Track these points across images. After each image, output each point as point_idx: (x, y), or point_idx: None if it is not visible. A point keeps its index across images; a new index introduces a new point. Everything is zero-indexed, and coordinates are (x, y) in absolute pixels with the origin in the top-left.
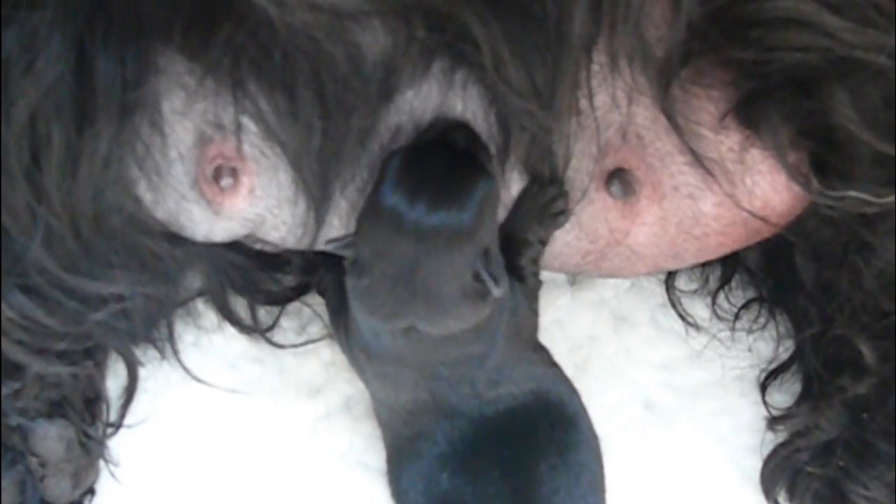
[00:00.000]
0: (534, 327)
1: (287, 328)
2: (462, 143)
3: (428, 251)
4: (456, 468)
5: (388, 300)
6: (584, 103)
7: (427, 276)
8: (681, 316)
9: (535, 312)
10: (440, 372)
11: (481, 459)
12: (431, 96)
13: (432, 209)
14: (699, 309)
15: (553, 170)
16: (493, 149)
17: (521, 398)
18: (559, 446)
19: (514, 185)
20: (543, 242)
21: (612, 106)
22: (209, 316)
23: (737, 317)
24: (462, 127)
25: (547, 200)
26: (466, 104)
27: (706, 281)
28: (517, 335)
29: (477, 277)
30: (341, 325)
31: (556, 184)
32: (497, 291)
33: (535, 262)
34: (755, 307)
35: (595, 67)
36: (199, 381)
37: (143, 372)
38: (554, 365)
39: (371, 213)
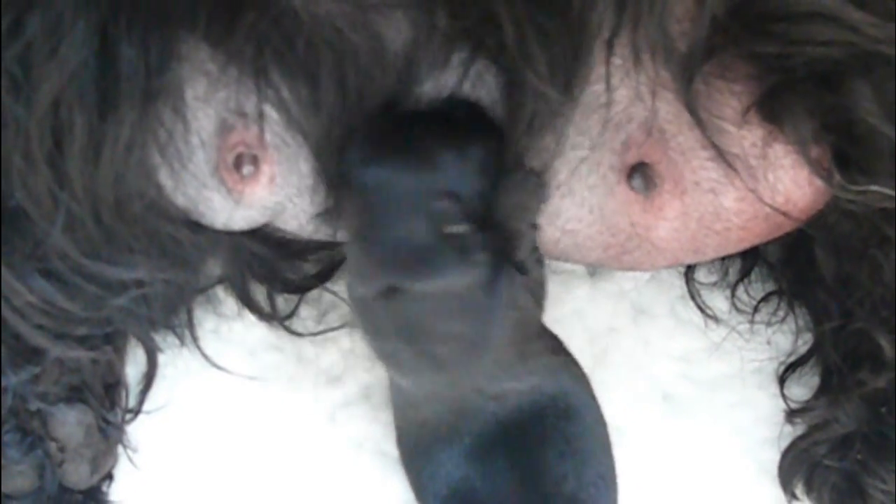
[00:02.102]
0: (538, 319)
1: (306, 317)
2: (462, 109)
3: (394, 201)
4: (466, 458)
5: (366, 258)
6: (608, 96)
7: (399, 227)
8: (700, 308)
9: (539, 304)
10: (439, 353)
11: (489, 451)
12: (449, 87)
13: (396, 159)
14: (718, 301)
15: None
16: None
17: (527, 394)
18: (565, 435)
19: None
20: (535, 226)
21: (635, 99)
22: (229, 303)
23: (756, 309)
24: (459, 101)
25: (519, 184)
26: (479, 95)
27: (726, 273)
28: (518, 329)
29: (449, 219)
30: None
31: (520, 168)
32: (463, 227)
33: (535, 250)
34: (774, 300)
35: (618, 61)
36: (218, 368)
37: (162, 358)
38: (559, 352)
39: (342, 179)
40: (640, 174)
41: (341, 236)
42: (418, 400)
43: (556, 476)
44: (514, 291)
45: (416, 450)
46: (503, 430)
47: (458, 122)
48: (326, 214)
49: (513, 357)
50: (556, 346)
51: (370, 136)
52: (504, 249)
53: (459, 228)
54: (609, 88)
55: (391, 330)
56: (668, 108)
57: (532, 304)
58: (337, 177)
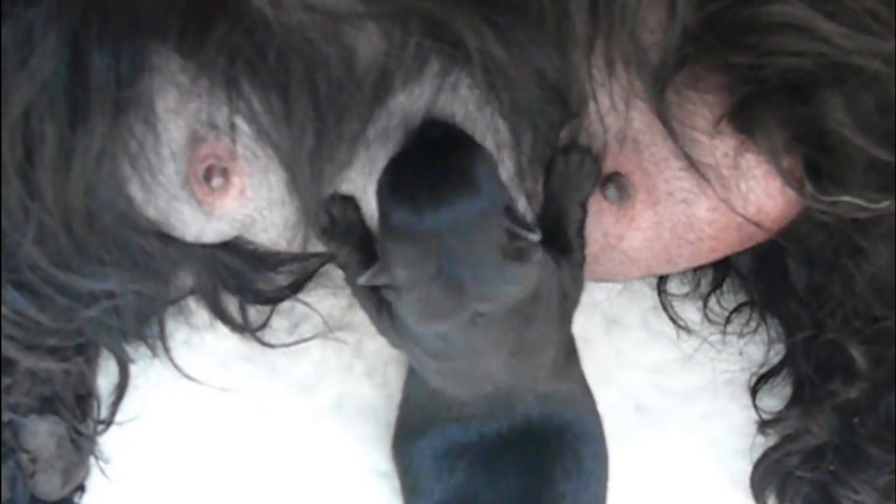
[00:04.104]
0: (576, 304)
1: (278, 328)
2: (436, 132)
3: (454, 242)
4: (476, 459)
5: (443, 300)
6: (586, 104)
7: (466, 262)
8: (672, 319)
9: (580, 287)
10: (511, 364)
11: (503, 455)
12: (423, 99)
13: (437, 206)
14: (690, 312)
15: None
16: (493, 145)
17: (564, 401)
18: (577, 455)
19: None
20: (584, 207)
21: (610, 110)
22: (201, 314)
23: (728, 320)
24: (430, 122)
25: (575, 165)
26: (459, 105)
27: (698, 284)
28: (567, 316)
29: (511, 235)
30: (391, 333)
31: (578, 147)
32: (534, 236)
33: (581, 232)
34: (746, 311)
35: (593, 71)
36: (190, 379)
37: (134, 369)
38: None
39: (387, 236)
40: (614, 184)
41: (312, 248)
42: (465, 398)
43: (557, 493)
44: (562, 274)
45: (424, 446)
46: (526, 435)
47: (459, 138)
48: (376, 269)
49: (564, 352)
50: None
51: (403, 183)
52: (553, 232)
53: (526, 239)
54: (588, 97)
55: (470, 351)
56: (642, 119)
57: (576, 286)
58: (384, 231)
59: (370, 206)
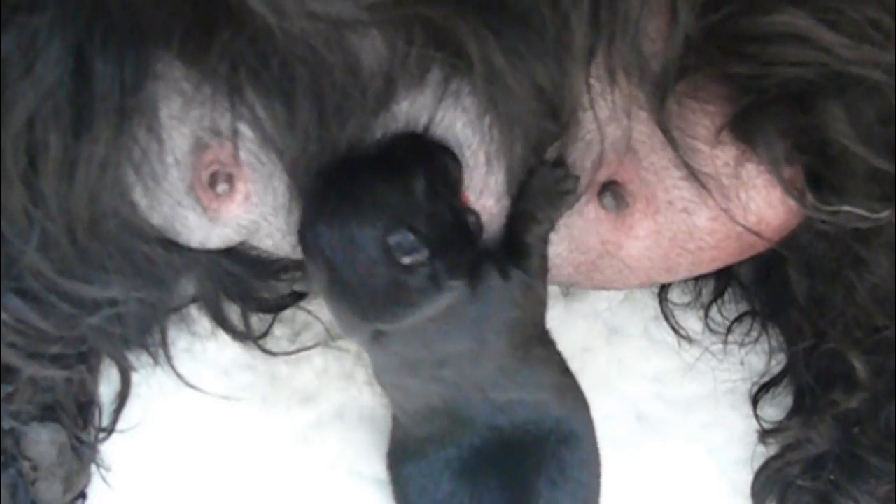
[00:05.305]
0: (539, 317)
1: (280, 336)
2: (401, 144)
3: (340, 261)
4: (458, 473)
5: (345, 315)
6: (581, 115)
7: (356, 283)
8: (673, 328)
9: (541, 299)
10: (444, 376)
11: (484, 468)
12: (426, 106)
13: (325, 225)
14: (692, 322)
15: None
16: (486, 154)
17: (534, 410)
18: (561, 463)
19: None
20: (552, 222)
21: (610, 119)
22: (202, 322)
23: (729, 330)
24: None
25: (556, 180)
26: (460, 113)
27: (699, 294)
28: (517, 328)
29: (393, 261)
30: None
31: (565, 165)
32: (407, 259)
33: (544, 240)
34: (748, 321)
35: (593, 80)
36: (191, 387)
37: (135, 377)
38: (567, 373)
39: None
40: (610, 193)
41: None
42: (422, 414)
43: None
44: (510, 289)
45: (410, 460)
46: (504, 446)
47: (396, 157)
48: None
49: (515, 362)
50: (563, 366)
51: (312, 197)
52: (515, 233)
53: (418, 256)
54: (585, 106)
55: (394, 366)
56: (642, 128)
57: (531, 299)
58: (299, 243)
59: None
